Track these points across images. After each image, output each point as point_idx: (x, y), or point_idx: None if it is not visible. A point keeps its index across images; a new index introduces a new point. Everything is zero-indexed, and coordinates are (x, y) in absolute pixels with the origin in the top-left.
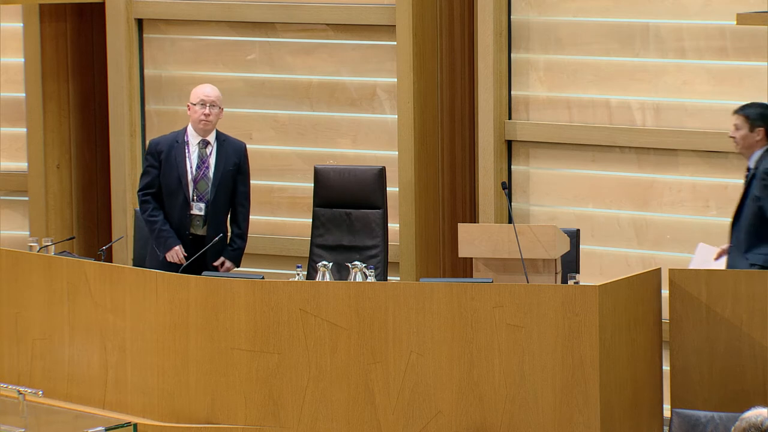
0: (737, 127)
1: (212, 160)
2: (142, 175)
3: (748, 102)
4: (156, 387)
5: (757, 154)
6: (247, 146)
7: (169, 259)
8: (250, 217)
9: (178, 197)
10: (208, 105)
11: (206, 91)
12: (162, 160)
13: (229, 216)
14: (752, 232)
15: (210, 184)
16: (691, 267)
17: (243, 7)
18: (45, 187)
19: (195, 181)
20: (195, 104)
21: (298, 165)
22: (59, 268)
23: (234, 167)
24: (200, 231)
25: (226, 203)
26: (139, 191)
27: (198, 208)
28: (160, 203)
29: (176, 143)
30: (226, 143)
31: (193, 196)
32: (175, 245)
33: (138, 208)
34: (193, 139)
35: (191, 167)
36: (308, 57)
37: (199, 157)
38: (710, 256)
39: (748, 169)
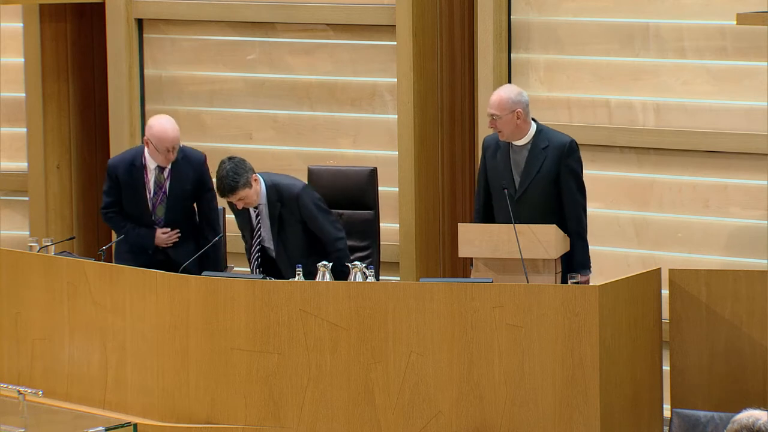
0: None
1: (168, 184)
2: (105, 193)
3: None
4: (156, 387)
5: None
6: (247, 146)
7: (163, 245)
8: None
9: (142, 218)
10: (171, 149)
11: (170, 138)
12: (121, 183)
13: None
14: None
15: (165, 209)
16: None
17: (243, 7)
18: (45, 187)
19: (153, 206)
20: (159, 150)
21: (298, 165)
22: (59, 268)
23: (192, 185)
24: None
25: (180, 219)
26: (102, 209)
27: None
28: (126, 218)
29: (134, 167)
30: (184, 160)
31: (154, 219)
32: (155, 231)
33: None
34: (150, 163)
35: (150, 193)
36: (308, 57)
37: (155, 182)
38: None
39: None
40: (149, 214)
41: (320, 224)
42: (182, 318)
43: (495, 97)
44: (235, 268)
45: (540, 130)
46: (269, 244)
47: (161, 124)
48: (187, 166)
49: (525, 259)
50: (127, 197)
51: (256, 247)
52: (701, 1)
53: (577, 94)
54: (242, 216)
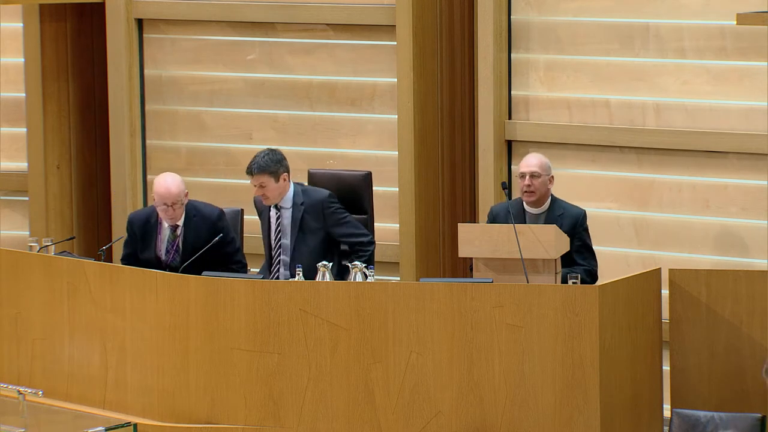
0: None
1: (180, 242)
2: (124, 244)
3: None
4: (156, 387)
5: None
6: (247, 146)
7: None
8: (249, 217)
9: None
10: (170, 205)
11: (163, 194)
12: (137, 239)
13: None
14: None
15: (179, 266)
16: None
17: (243, 7)
18: (45, 187)
19: (166, 264)
20: (158, 206)
21: (298, 165)
22: (59, 268)
23: (205, 241)
24: None
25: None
26: (122, 259)
27: None
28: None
29: (148, 224)
30: (197, 218)
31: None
32: None
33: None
34: (165, 221)
35: (162, 252)
36: (308, 57)
37: (168, 241)
38: None
39: None
40: (164, 269)
41: (348, 230)
42: (182, 318)
43: (534, 158)
44: (250, 270)
45: (554, 199)
46: (287, 253)
47: (163, 179)
48: (201, 224)
49: (525, 259)
50: (143, 252)
51: (276, 258)
52: (701, 1)
53: (577, 94)
54: (263, 222)
